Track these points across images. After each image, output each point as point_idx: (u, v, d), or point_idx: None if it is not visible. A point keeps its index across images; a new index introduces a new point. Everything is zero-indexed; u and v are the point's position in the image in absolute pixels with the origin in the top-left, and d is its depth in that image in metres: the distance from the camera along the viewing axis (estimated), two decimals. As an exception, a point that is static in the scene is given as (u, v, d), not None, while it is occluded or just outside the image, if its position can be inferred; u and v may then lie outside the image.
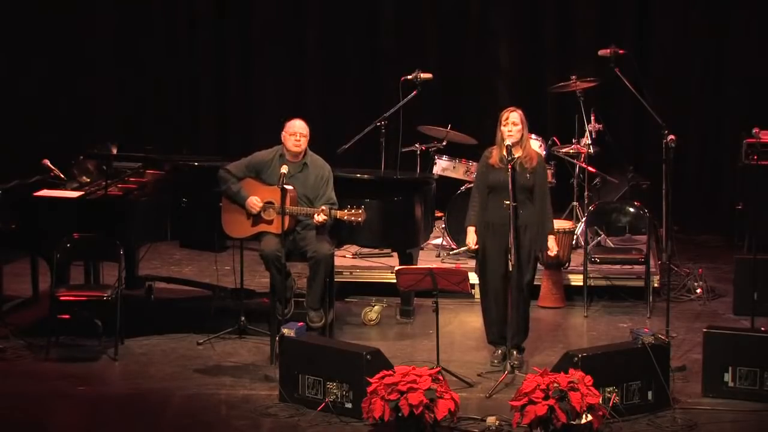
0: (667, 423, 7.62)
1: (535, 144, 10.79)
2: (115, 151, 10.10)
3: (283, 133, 8.99)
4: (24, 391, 8.26)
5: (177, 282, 10.84)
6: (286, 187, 8.65)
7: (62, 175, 9.88)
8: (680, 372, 8.40)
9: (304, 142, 8.95)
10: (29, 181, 9.78)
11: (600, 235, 10.86)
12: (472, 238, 8.65)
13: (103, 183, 9.48)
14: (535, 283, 8.95)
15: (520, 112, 8.59)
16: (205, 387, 8.34)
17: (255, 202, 8.88)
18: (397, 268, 8.74)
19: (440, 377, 7.51)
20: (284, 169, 8.71)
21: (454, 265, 9.79)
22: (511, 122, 8.54)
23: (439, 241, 11.01)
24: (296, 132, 8.94)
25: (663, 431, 7.53)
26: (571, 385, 7.26)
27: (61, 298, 8.95)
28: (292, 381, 7.96)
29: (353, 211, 8.73)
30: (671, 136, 9.39)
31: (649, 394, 7.78)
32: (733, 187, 12.22)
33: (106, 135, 11.06)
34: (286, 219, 8.67)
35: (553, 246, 8.63)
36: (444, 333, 9.01)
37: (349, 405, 7.72)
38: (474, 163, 10.83)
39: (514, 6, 13.15)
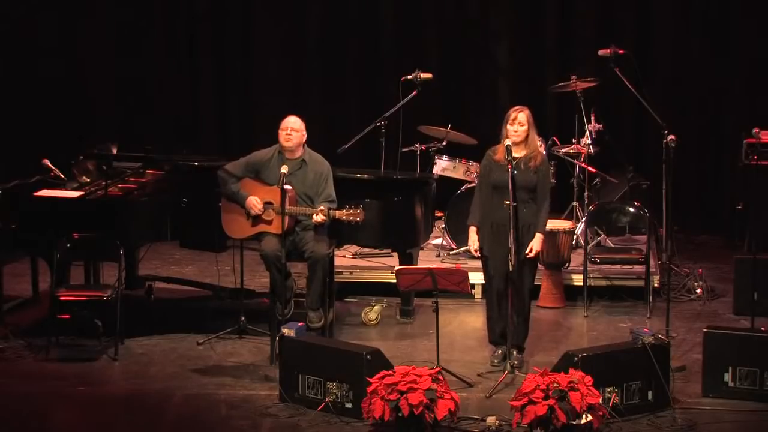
0: (667, 423, 7.62)
1: (535, 144, 10.81)
2: (115, 151, 10.10)
3: (278, 130, 9.00)
4: (24, 391, 8.26)
5: (177, 282, 10.84)
6: (285, 187, 8.64)
7: (62, 175, 9.88)
8: (680, 372, 8.40)
9: (295, 137, 8.93)
10: (29, 181, 9.78)
11: (600, 235, 10.87)
12: (473, 238, 8.63)
13: (103, 183, 9.49)
14: (535, 283, 8.94)
15: (527, 111, 8.58)
16: (205, 387, 8.34)
17: (255, 202, 8.87)
18: (397, 268, 8.74)
19: (440, 377, 7.51)
20: (284, 169, 8.71)
21: (454, 265, 9.79)
22: (518, 122, 8.53)
23: (439, 241, 11.01)
24: (287, 127, 8.94)
25: (663, 431, 7.53)
26: (571, 385, 7.26)
27: (61, 298, 8.95)
28: (292, 381, 7.96)
29: (351, 210, 8.72)
30: (671, 136, 9.38)
31: (649, 394, 7.78)
32: (733, 187, 12.23)
33: (106, 135, 11.07)
34: (286, 219, 8.67)
35: (536, 246, 8.51)
36: (444, 333, 9.01)
37: (349, 405, 7.72)
38: (474, 163, 10.83)
39: (514, 6, 13.15)
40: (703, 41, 12.82)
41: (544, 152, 10.81)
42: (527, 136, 8.55)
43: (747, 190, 11.51)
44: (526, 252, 8.48)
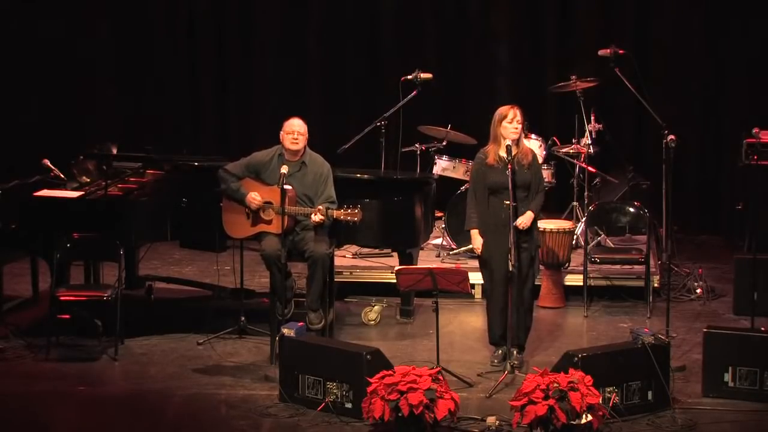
0: (667, 423, 7.62)
1: (535, 144, 10.81)
2: (115, 151, 10.11)
3: (281, 132, 9.00)
4: (24, 391, 8.26)
5: (177, 282, 10.84)
6: (285, 187, 8.65)
7: (62, 175, 9.88)
8: (680, 372, 8.40)
9: (301, 140, 8.95)
10: (29, 181, 9.78)
11: (600, 235, 10.86)
12: (478, 241, 8.60)
13: (103, 183, 9.49)
14: (535, 282, 8.93)
15: (521, 109, 8.61)
16: (205, 387, 8.35)
17: (254, 197, 8.87)
18: (397, 268, 8.74)
19: (440, 377, 7.51)
20: (284, 169, 8.71)
21: (454, 265, 9.79)
22: (516, 120, 8.54)
23: (439, 241, 11.01)
24: (294, 131, 8.95)
25: (663, 431, 7.53)
26: (571, 385, 7.26)
27: (61, 298, 8.95)
28: (292, 381, 7.96)
29: (350, 210, 8.72)
30: (671, 136, 9.37)
31: (649, 394, 7.78)
32: (733, 187, 12.23)
33: (106, 135, 11.07)
34: (286, 219, 8.67)
35: (525, 220, 8.41)
36: (444, 333, 9.01)
37: (349, 405, 7.72)
38: (474, 163, 10.84)
39: (514, 6, 13.15)
40: (703, 41, 12.82)
41: (544, 152, 10.87)
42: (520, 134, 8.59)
43: (747, 190, 11.51)
44: (517, 223, 8.42)
